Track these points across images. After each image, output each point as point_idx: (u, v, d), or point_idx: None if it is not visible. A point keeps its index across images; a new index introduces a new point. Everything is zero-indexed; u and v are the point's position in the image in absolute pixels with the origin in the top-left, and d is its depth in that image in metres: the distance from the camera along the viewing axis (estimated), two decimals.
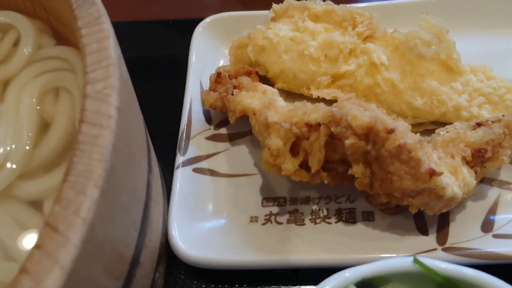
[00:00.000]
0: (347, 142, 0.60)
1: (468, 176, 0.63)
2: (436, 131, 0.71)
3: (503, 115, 0.68)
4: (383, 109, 0.65)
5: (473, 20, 0.93)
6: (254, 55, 0.85)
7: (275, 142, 0.67)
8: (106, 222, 0.43)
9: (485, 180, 0.73)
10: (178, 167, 0.78)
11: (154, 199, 0.63)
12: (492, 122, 0.68)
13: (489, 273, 0.51)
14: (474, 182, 0.64)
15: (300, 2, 0.88)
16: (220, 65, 0.93)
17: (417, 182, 0.60)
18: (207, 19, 0.96)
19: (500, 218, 0.69)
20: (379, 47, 0.81)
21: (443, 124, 0.77)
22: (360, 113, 0.60)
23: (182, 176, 0.77)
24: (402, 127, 0.61)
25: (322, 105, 0.67)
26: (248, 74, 0.86)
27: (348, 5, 0.89)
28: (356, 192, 0.71)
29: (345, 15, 0.86)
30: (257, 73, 0.87)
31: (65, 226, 0.39)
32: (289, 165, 0.65)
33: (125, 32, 1.04)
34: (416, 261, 0.53)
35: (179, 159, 0.79)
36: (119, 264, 0.49)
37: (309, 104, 0.69)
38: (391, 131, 0.58)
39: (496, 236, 0.67)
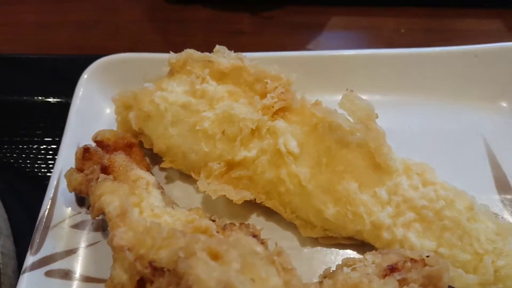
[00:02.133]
0: None
1: None
2: (341, 263, 0.53)
3: (427, 256, 0.50)
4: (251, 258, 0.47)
5: (430, 85, 0.73)
6: (137, 123, 0.67)
7: (119, 274, 0.51)
8: None
9: None
10: (24, 271, 0.61)
11: None
12: (413, 263, 0.50)
13: None
14: None
15: (202, 54, 0.68)
16: (110, 124, 0.75)
17: None
18: (96, 63, 0.77)
19: None
20: (293, 125, 0.62)
21: (360, 240, 0.60)
22: (206, 274, 0.42)
23: (27, 286, 0.60)
24: None
25: (182, 232, 0.50)
26: (130, 146, 0.68)
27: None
28: None
29: (259, 75, 0.67)
30: (142, 145, 0.69)
31: None
32: None
33: None
34: None
35: (29, 259, 0.62)
36: None
37: (166, 228, 0.51)
38: None
39: None
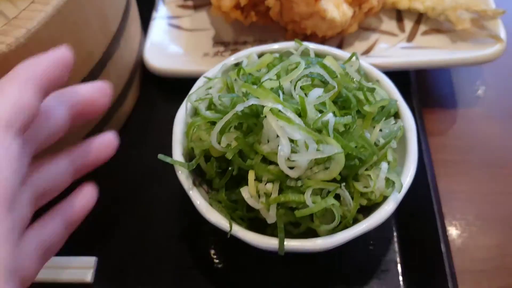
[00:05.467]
0: None
1: (346, 9, 0.93)
2: None
3: None
4: None
5: None
6: None
7: None
8: None
9: (370, 29, 1.03)
10: (153, 19, 1.08)
11: (132, 16, 0.93)
12: None
13: None
14: (350, 13, 0.93)
15: None
16: None
17: (308, 6, 0.90)
18: None
19: (375, 48, 0.99)
20: None
21: None
22: None
23: (157, 23, 1.07)
24: None
25: None
26: None
27: None
28: (279, 35, 1.01)
29: None
30: None
31: None
32: (227, 2, 0.96)
33: None
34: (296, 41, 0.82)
35: (155, 13, 1.09)
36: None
37: None
38: None
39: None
